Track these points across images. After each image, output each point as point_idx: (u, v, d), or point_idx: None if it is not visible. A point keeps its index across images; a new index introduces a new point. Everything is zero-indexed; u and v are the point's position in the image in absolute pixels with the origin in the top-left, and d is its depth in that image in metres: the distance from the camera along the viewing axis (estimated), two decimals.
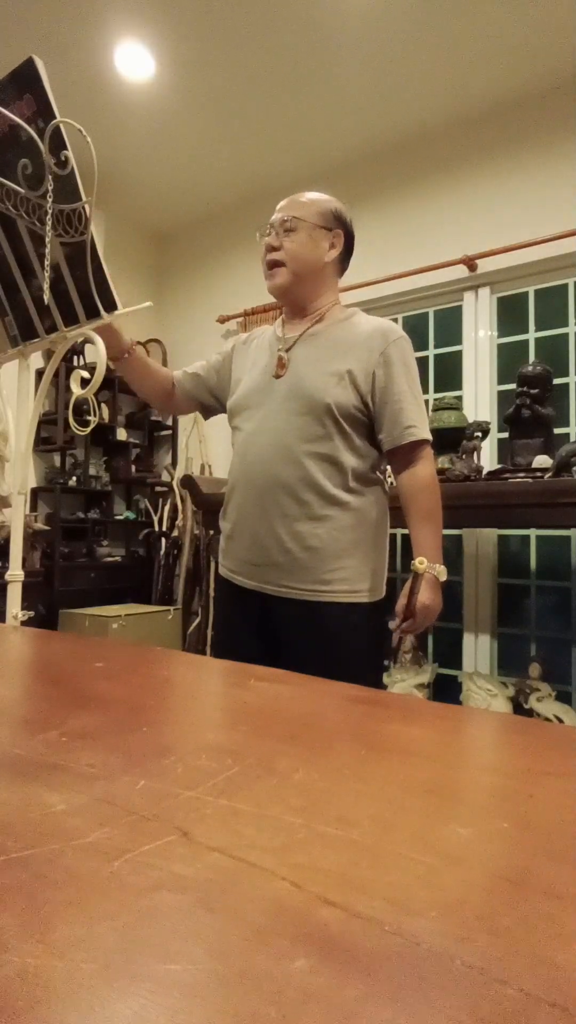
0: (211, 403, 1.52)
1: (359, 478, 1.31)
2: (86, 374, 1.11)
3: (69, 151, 1.00)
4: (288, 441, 1.29)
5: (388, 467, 1.41)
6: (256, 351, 1.44)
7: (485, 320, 3.20)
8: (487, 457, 2.96)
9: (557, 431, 2.60)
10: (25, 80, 1.03)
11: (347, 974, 0.24)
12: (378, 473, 1.38)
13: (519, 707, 2.66)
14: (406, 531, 1.35)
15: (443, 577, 1.30)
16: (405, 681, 2.89)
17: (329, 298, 1.40)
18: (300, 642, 1.29)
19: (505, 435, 2.64)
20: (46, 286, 1.06)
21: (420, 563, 1.28)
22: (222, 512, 1.44)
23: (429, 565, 1.28)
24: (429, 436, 1.33)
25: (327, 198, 1.39)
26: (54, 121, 0.99)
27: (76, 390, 1.11)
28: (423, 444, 1.32)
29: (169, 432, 4.39)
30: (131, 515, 4.23)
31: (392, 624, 1.34)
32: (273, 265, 1.35)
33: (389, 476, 1.47)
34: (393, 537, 1.42)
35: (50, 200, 1.02)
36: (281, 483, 1.28)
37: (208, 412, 1.56)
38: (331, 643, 1.27)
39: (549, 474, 2.22)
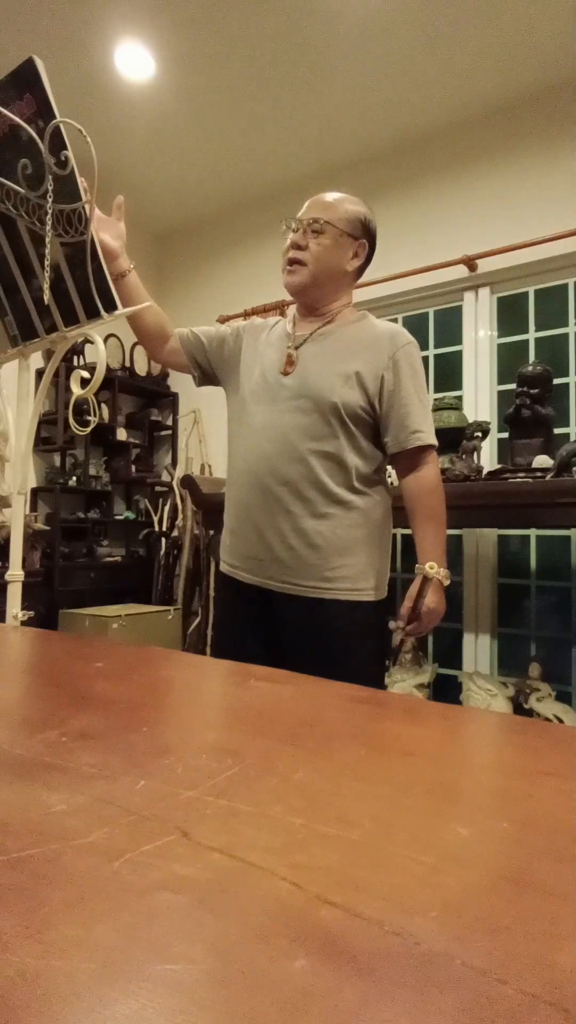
0: (209, 372, 1.48)
1: (363, 479, 1.31)
2: (86, 374, 1.11)
3: (69, 151, 1.00)
4: (293, 439, 1.29)
5: (391, 468, 1.41)
6: (265, 345, 1.42)
7: (485, 320, 3.20)
8: (487, 457, 2.95)
9: (557, 431, 2.60)
10: (25, 80, 1.03)
11: (347, 974, 0.24)
12: (381, 475, 1.38)
13: (519, 707, 2.66)
14: (408, 531, 1.35)
15: (447, 581, 1.31)
16: (405, 681, 2.89)
17: (343, 301, 1.40)
18: (302, 640, 1.29)
19: (505, 435, 2.64)
20: (46, 286, 1.06)
21: (431, 567, 1.29)
22: (225, 506, 1.43)
23: (436, 570, 1.29)
24: (435, 441, 1.33)
25: (356, 202, 1.37)
26: (54, 121, 0.99)
27: (76, 390, 1.11)
28: (429, 449, 1.32)
29: (169, 432, 4.39)
30: (131, 515, 4.22)
31: (395, 625, 1.34)
32: (294, 262, 1.34)
33: (390, 476, 1.47)
34: (393, 537, 1.42)
35: (50, 200, 1.02)
36: (286, 480, 1.29)
37: (204, 380, 1.50)
38: (334, 641, 1.27)
39: (551, 474, 2.22)
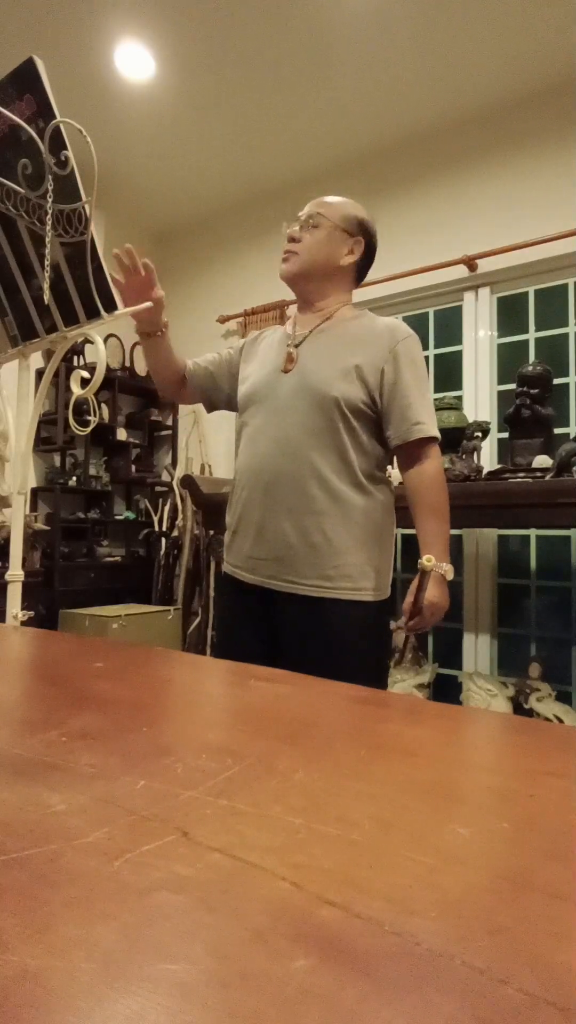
0: (217, 398, 1.54)
1: (366, 476, 1.30)
2: (86, 374, 1.12)
3: (69, 151, 1.00)
4: (295, 435, 1.29)
5: (393, 468, 1.41)
6: (266, 348, 1.45)
7: (485, 320, 3.20)
8: (487, 457, 2.95)
9: (557, 431, 2.60)
10: (25, 80, 1.03)
11: (347, 974, 0.24)
12: (384, 473, 1.38)
13: (519, 707, 2.66)
14: (409, 531, 1.35)
15: (450, 576, 1.28)
16: (405, 681, 2.89)
17: (339, 299, 1.41)
18: (302, 639, 1.28)
19: (505, 435, 2.63)
20: (46, 286, 1.06)
21: (428, 560, 1.26)
22: (228, 507, 1.44)
23: (436, 563, 1.26)
24: (437, 434, 1.32)
25: (356, 205, 1.41)
26: (54, 121, 0.99)
27: (76, 390, 1.11)
28: (431, 441, 1.32)
29: (169, 432, 4.39)
30: (131, 515, 4.22)
31: (396, 624, 1.34)
32: (288, 252, 1.38)
33: (395, 477, 1.47)
34: (396, 537, 1.42)
35: (50, 200, 1.02)
36: (287, 477, 1.28)
37: (212, 406, 1.57)
38: (333, 642, 1.26)
39: (550, 474, 2.22)
